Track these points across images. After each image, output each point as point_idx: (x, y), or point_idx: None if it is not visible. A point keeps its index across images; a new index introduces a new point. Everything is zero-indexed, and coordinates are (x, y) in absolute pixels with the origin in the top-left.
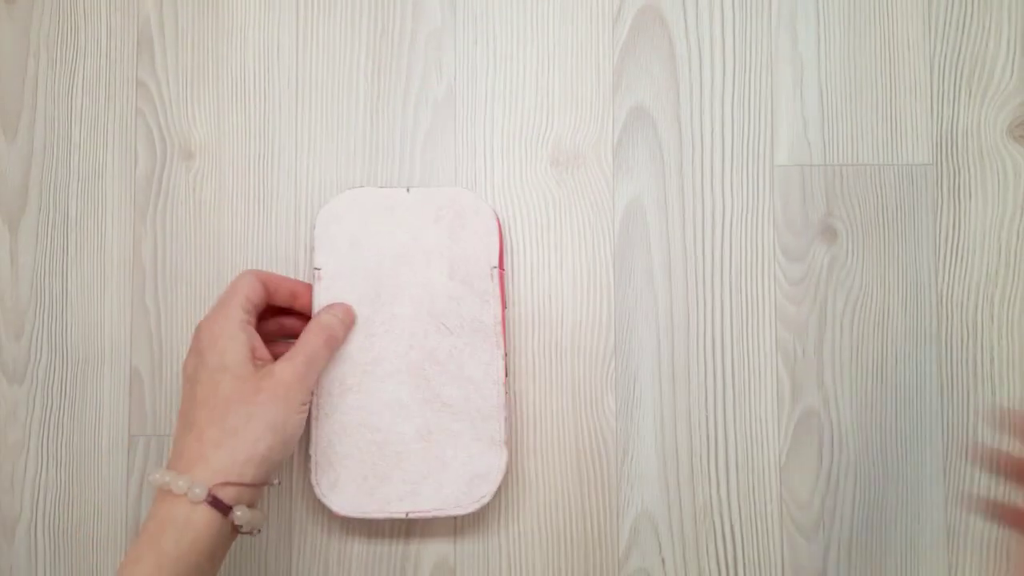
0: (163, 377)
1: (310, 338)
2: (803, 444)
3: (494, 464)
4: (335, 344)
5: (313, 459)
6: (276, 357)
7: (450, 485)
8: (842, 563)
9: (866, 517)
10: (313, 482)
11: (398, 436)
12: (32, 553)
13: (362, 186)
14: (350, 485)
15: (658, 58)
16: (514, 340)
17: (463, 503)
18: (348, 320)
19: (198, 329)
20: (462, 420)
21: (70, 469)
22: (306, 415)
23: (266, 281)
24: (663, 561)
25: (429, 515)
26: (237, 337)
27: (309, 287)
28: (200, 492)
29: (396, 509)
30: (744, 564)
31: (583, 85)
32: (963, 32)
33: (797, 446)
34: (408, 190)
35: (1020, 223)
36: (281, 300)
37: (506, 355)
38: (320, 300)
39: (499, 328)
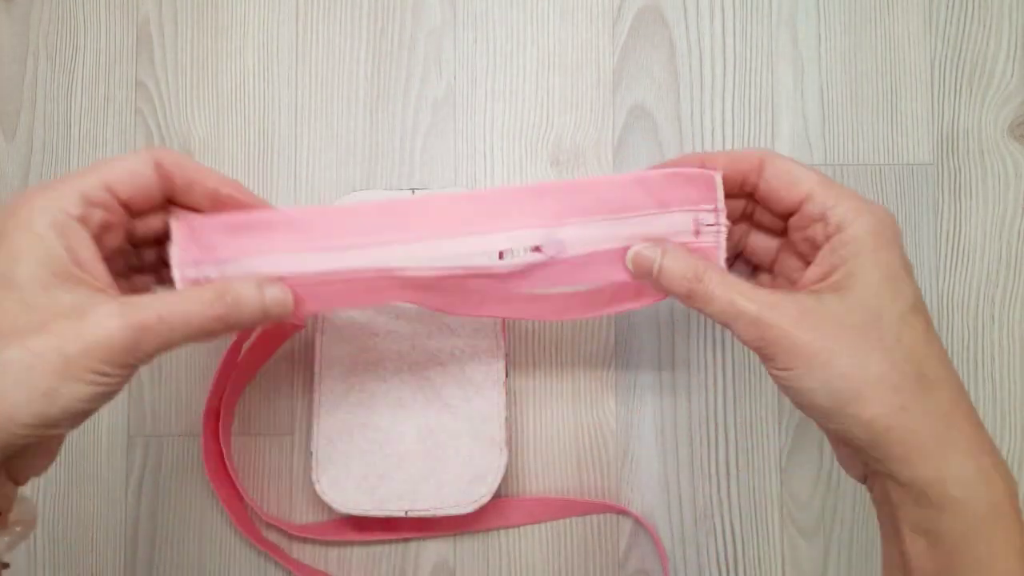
0: (163, 377)
1: (196, 296)
2: (803, 444)
3: (493, 464)
4: (230, 326)
5: (314, 456)
6: (135, 290)
7: (449, 485)
8: (842, 563)
9: (866, 517)
10: (313, 479)
11: (399, 436)
12: (31, 553)
13: (364, 188)
14: (350, 483)
15: (658, 57)
16: (514, 340)
17: (462, 503)
18: (277, 305)
19: (11, 203)
20: (462, 420)
21: (69, 469)
22: (105, 391)
23: (170, 169)
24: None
25: (428, 514)
26: (44, 240)
27: (251, 196)
28: None
29: (395, 508)
30: (744, 564)
31: (583, 85)
32: (963, 31)
33: (797, 446)
34: (412, 192)
35: (1021, 223)
36: (195, 202)
37: (507, 355)
38: None
39: (499, 328)
